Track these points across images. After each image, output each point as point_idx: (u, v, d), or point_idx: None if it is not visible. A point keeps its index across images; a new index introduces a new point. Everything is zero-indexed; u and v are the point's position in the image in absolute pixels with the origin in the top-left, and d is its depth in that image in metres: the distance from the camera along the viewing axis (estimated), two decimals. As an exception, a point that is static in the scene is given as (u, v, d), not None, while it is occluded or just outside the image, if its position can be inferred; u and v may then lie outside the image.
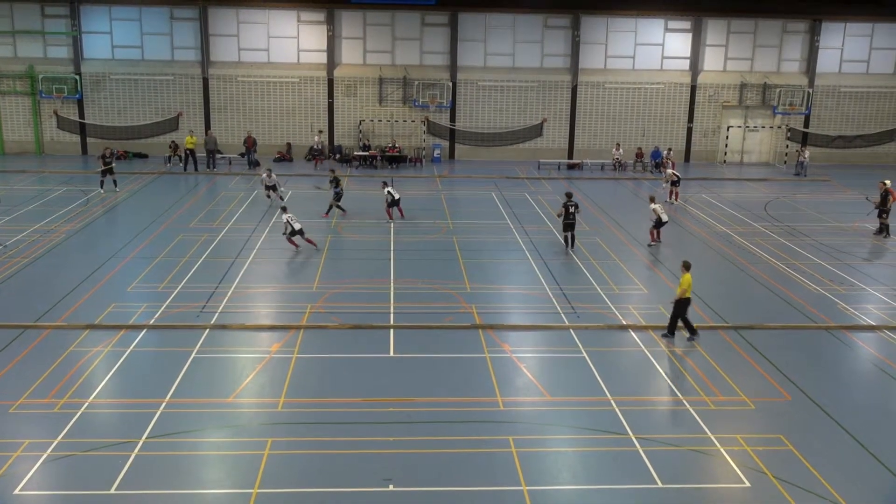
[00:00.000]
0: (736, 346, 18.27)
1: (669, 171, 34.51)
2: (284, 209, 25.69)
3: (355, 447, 13.43)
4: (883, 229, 28.39)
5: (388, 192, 28.72)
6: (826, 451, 13.71)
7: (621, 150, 42.23)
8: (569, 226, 25.39)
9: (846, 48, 44.33)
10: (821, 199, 35.20)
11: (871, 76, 44.57)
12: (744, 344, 18.36)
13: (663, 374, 16.69)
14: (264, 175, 31.29)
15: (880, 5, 42.41)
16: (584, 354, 17.42)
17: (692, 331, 18.47)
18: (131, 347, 17.31)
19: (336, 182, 29.85)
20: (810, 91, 43.75)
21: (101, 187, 33.52)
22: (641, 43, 43.59)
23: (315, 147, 41.52)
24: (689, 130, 44.52)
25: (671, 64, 43.98)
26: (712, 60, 44.16)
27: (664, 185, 33.86)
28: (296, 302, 20.36)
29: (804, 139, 44.63)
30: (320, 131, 42.84)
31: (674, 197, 33.01)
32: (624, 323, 19.35)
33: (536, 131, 43.80)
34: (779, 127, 44.78)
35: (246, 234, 26.88)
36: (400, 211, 29.11)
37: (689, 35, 43.65)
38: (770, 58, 44.34)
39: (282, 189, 31.88)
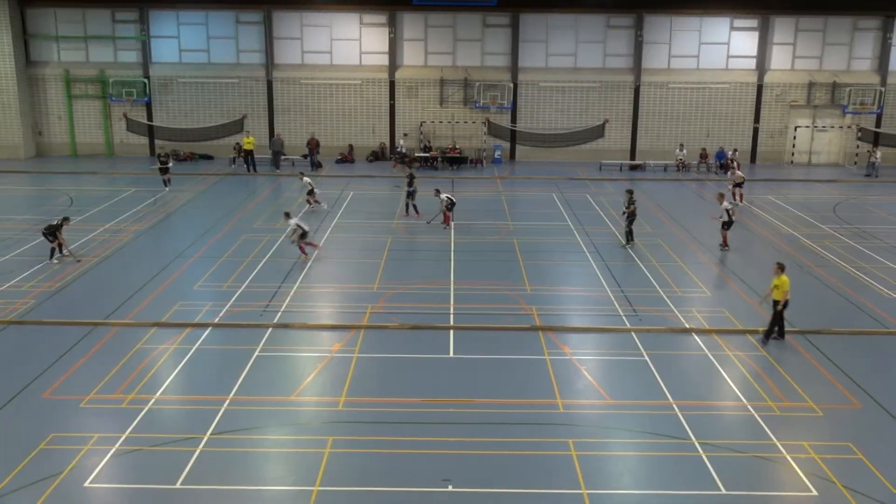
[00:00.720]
0: (804, 351, 17.82)
1: (739, 172, 33.87)
2: (288, 214, 25.35)
3: (415, 447, 13.48)
4: None
5: (447, 196, 28.52)
6: (898, 461, 13.29)
7: (685, 151, 41.61)
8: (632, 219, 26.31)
9: (921, 45, 42.96)
10: (893, 201, 34.13)
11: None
12: (812, 349, 17.89)
13: (727, 378, 16.37)
14: (303, 180, 31.81)
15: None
16: (646, 357, 17.20)
17: (782, 334, 18.24)
18: (196, 345, 17.66)
19: (410, 181, 30.25)
20: (882, 90, 42.45)
21: (165, 185, 34.68)
22: (706, 42, 42.85)
23: (399, 150, 41.79)
24: (756, 131, 43.62)
25: (737, 63, 43.15)
26: (779, 59, 43.19)
27: (729, 187, 33.13)
28: (357, 302, 20.54)
29: (875, 139, 43.34)
30: (405, 134, 43.12)
31: (738, 198, 32.33)
32: (687, 326, 19.04)
33: (598, 132, 43.42)
34: (849, 127, 43.58)
35: (308, 235, 27.21)
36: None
37: (756, 33, 42.78)
38: (840, 56, 43.17)
39: (318, 190, 31.88)
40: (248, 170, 39.49)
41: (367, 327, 18.79)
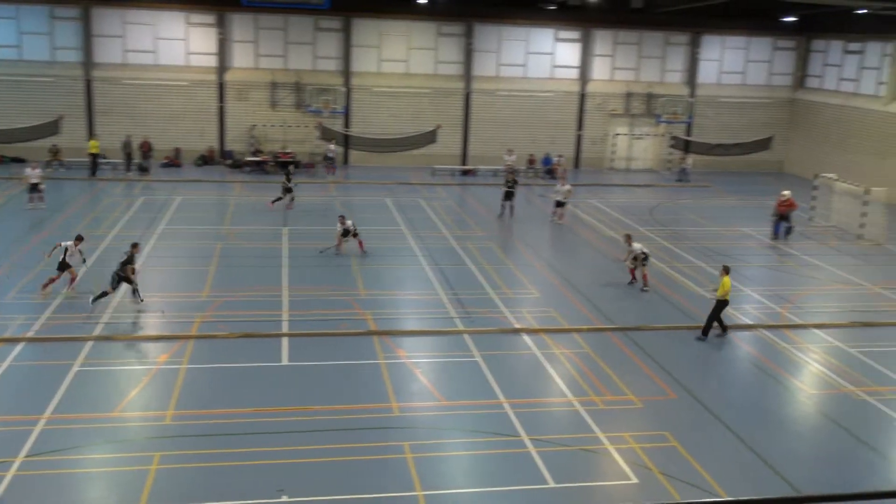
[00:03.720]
0: (624, 346, 18.81)
1: (567, 187, 31.98)
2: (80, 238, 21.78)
3: (247, 458, 13.16)
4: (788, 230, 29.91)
5: (349, 225, 25.86)
6: (708, 446, 14.28)
7: (514, 157, 42.85)
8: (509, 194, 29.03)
9: (724, 60, 46.28)
10: (702, 205, 36.66)
11: (747, 87, 46.67)
12: (631, 345, 18.92)
13: (555, 375, 17.02)
14: (29, 170, 30.73)
15: (754, 20, 44.52)
16: (478, 358, 17.60)
17: (724, 329, 19.78)
18: (7, 362, 16.45)
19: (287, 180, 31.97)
20: (692, 101, 45.46)
21: None
22: (533, 52, 44.39)
23: (328, 155, 40.79)
24: (579, 138, 45.60)
25: (561, 73, 44.95)
26: (600, 70, 45.37)
27: (559, 198, 31.69)
28: (185, 311, 19.80)
29: (686, 147, 46.32)
30: (333, 139, 42.03)
31: (558, 217, 31.64)
32: (517, 326, 19.65)
33: (430, 137, 44.00)
34: (662, 135, 46.36)
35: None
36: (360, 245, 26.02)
37: (579, 45, 44.74)
38: (654, 68, 45.89)
39: (43, 186, 30.55)
40: (92, 173, 37.34)
41: (195, 337, 18.16)
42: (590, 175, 43.47)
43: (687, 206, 35.79)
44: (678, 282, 24.06)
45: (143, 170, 38.85)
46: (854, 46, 42.48)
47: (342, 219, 25.86)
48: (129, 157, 38.60)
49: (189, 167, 41.32)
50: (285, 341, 18.11)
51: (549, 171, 42.41)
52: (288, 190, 31.70)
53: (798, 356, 18.83)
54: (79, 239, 21.50)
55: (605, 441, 14.24)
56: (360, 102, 43.07)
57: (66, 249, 20.92)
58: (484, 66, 44.06)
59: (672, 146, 46.05)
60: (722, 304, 19.35)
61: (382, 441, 13.87)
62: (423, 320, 20.00)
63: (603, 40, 44.99)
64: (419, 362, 17.33)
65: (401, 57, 43.35)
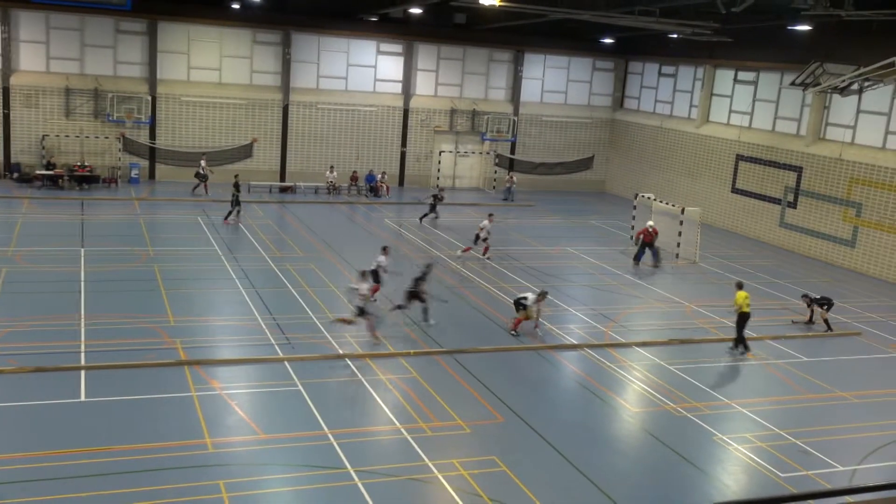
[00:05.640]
0: (451, 370, 19.18)
1: (485, 222, 30.06)
2: None
3: (39, 508, 12.32)
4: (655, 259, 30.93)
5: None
6: (536, 469, 14.80)
7: (335, 173, 42.84)
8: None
9: (546, 79, 48.46)
10: (527, 224, 38.08)
11: (569, 106, 49.08)
12: (458, 368, 19.32)
13: (381, 402, 17.10)
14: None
15: (574, 40, 46.97)
16: (300, 387, 17.40)
17: (736, 343, 21.91)
18: None
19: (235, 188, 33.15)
20: (515, 119, 47.25)
21: None
22: (354, 64, 44.65)
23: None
24: (403, 154, 46.21)
25: (384, 87, 45.46)
26: (424, 85, 46.27)
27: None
28: (-37, 344, 18.33)
29: (511, 165, 48.05)
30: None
31: (471, 253, 30.41)
32: (340, 352, 19.60)
33: (246, 151, 43.19)
34: (487, 153, 47.83)
35: None
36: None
37: (402, 59, 45.45)
38: (478, 85, 47.33)
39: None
40: None
41: (-23, 373, 16.85)
42: (415, 193, 44.08)
43: (514, 227, 37.03)
44: (503, 302, 24.80)
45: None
46: (668, 69, 45.71)
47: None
48: None
49: (-33, 181, 38.40)
50: (83, 375, 17.16)
51: (373, 188, 42.71)
52: (237, 203, 32.89)
53: (621, 374, 19.89)
54: None
55: (434, 469, 14.44)
56: (167, 113, 41.65)
57: None
58: (303, 77, 43.84)
59: (497, 164, 47.59)
60: (743, 316, 21.57)
61: (195, 481, 13.40)
62: (240, 348, 19.56)
63: (426, 54, 45.95)
64: (236, 393, 16.92)
65: (213, 65, 42.35)
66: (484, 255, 30.01)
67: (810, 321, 24.88)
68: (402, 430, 15.87)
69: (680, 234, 32.52)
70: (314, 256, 28.79)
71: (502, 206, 42.34)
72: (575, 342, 21.89)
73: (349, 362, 19.06)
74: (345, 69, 44.50)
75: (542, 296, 22.09)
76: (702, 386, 19.42)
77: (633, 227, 34.59)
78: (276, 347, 19.63)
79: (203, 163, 39.58)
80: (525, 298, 22.04)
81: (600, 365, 20.40)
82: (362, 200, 41.41)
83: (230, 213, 33.43)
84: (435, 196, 37.34)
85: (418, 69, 45.94)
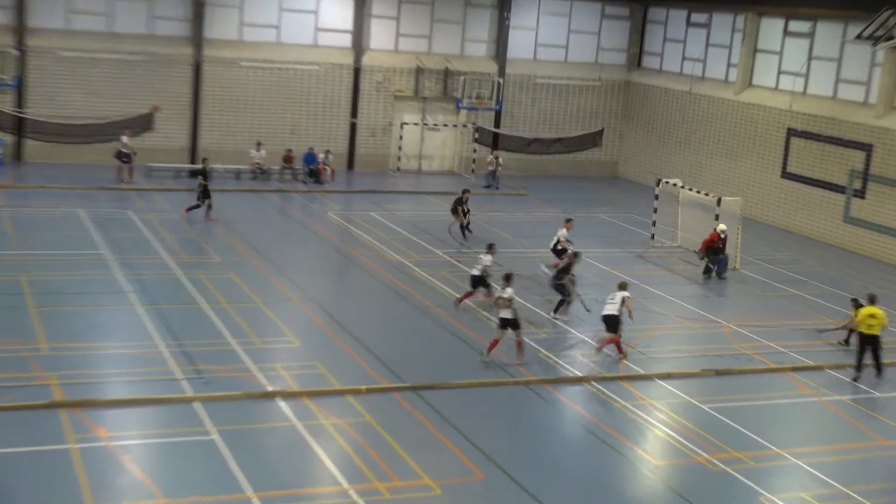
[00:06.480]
0: (416, 411, 19.04)
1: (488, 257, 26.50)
2: None
3: None
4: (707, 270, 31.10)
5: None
6: (528, 543, 14.68)
7: (263, 152, 42.53)
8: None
9: (541, 29, 48.48)
10: (518, 219, 38.02)
11: (571, 66, 49.11)
12: (426, 408, 19.18)
13: (323, 456, 16.93)
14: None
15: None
16: (215, 435, 17.22)
17: (858, 368, 22.76)
18: None
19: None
20: (500, 81, 47.12)
21: None
22: (288, 8, 44.40)
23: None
24: (353, 127, 45.98)
25: (328, 39, 45.20)
26: (381, 37, 46.05)
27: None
28: None
29: (495, 142, 47.88)
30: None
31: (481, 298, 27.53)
32: (269, 389, 19.42)
33: (145, 123, 42.78)
34: (464, 126, 47.72)
35: None
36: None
37: (351, 2, 45.23)
38: (452, 37, 47.21)
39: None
40: None
41: None
42: (370, 178, 43.94)
43: (499, 222, 36.93)
44: (487, 323, 24.69)
45: None
46: (699, 18, 45.92)
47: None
48: None
49: None
50: (-77, 421, 16.90)
51: (313, 172, 42.47)
52: (206, 194, 33.28)
53: (640, 416, 19.84)
54: None
55: (392, 544, 14.30)
56: (40, 73, 41.22)
57: None
58: (221, 25, 43.55)
59: (477, 140, 47.48)
60: (864, 339, 22.50)
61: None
62: (135, 384, 19.38)
63: (383, -4, 45.77)
64: (128, 445, 16.73)
65: (98, 8, 41.90)
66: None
67: (846, 341, 25.00)
68: (352, 492, 15.72)
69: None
70: (235, 262, 28.59)
71: (485, 194, 42.31)
72: (579, 374, 21.83)
73: (281, 403, 18.88)
74: (276, 15, 44.29)
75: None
76: (744, 430, 19.42)
77: (654, 224, 34.62)
78: (184, 383, 19.42)
79: (125, 138, 39.29)
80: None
81: (612, 403, 20.34)
82: (299, 188, 41.23)
83: (196, 206, 33.58)
84: (459, 200, 34.21)
85: (373, 15, 45.80)
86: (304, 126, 45.08)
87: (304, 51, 44.85)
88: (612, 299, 23.20)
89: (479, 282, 25.32)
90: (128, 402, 18.47)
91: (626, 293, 23.26)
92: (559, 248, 29.17)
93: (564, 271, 25.71)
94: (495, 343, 21.91)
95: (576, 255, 26.46)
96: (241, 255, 29.53)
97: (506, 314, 21.89)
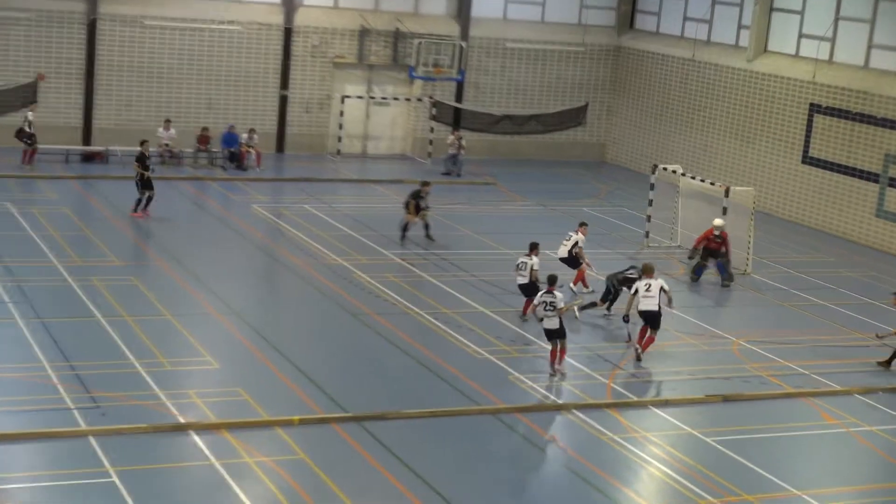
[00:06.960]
0: (359, 446, 19.10)
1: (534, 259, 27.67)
2: None
3: None
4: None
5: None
6: None
7: (173, 131, 42.39)
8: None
9: (513, -18, 48.72)
10: (482, 212, 38.12)
11: (549, 27, 49.13)
12: (371, 443, 19.25)
13: (246, 501, 16.97)
14: None
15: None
16: (114, 477, 17.20)
17: None
18: None
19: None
20: (463, 45, 47.06)
21: None
22: (204, -44, 44.41)
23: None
24: (284, 101, 45.91)
25: (253, -8, 45.26)
26: (317, -10, 46.12)
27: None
28: None
29: (457, 119, 47.84)
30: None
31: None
32: (182, 421, 19.42)
33: (27, 95, 42.56)
34: (419, 99, 47.72)
35: None
36: None
37: (280, -53, 45.29)
38: (404, -9, 47.34)
39: None
40: None
41: None
42: (303, 164, 43.91)
43: (461, 216, 37.02)
44: (446, 338, 24.81)
45: None
46: (704, -31, 46.19)
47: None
48: None
49: None
50: None
51: (234, 155, 42.34)
52: (147, 185, 33.40)
53: (630, 451, 20.00)
54: None
55: None
56: None
57: None
58: (120, -24, 43.44)
59: (435, 117, 47.49)
60: None
61: None
62: (17, 415, 19.31)
63: (318, -60, 45.78)
64: (11, 490, 16.68)
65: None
66: (585, 288, 29.49)
67: (889, 363, 25.26)
68: (281, 544, 15.80)
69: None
70: (138, 265, 28.61)
71: (445, 183, 42.30)
72: (558, 401, 21.99)
73: (195, 437, 18.90)
74: (189, -36, 44.25)
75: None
76: (756, 468, 19.58)
77: (648, 220, 34.83)
78: (76, 413, 19.39)
79: (30, 115, 39.22)
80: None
81: (597, 436, 20.47)
82: (218, 175, 41.15)
83: (140, 200, 33.61)
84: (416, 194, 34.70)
85: (307, -35, 45.85)
86: (224, 100, 44.98)
87: (223, 7, 44.71)
88: (649, 290, 23.79)
89: (533, 289, 25.59)
90: (9, 436, 18.38)
91: (661, 281, 24.06)
92: (574, 253, 29.12)
93: (624, 282, 26.60)
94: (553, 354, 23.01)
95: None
96: (147, 256, 29.51)
97: (552, 324, 22.66)
